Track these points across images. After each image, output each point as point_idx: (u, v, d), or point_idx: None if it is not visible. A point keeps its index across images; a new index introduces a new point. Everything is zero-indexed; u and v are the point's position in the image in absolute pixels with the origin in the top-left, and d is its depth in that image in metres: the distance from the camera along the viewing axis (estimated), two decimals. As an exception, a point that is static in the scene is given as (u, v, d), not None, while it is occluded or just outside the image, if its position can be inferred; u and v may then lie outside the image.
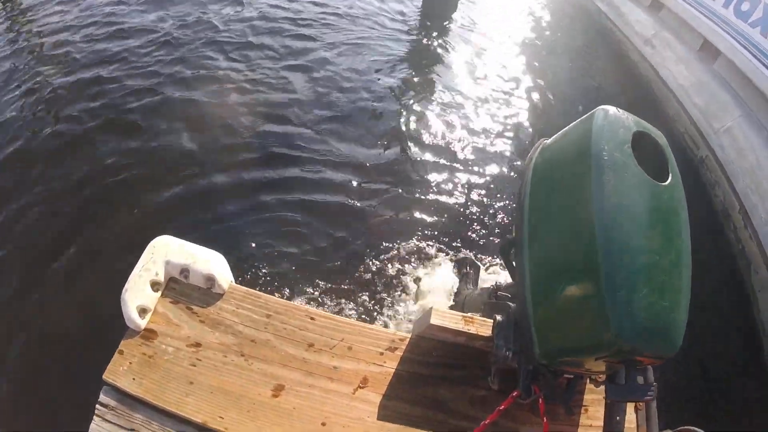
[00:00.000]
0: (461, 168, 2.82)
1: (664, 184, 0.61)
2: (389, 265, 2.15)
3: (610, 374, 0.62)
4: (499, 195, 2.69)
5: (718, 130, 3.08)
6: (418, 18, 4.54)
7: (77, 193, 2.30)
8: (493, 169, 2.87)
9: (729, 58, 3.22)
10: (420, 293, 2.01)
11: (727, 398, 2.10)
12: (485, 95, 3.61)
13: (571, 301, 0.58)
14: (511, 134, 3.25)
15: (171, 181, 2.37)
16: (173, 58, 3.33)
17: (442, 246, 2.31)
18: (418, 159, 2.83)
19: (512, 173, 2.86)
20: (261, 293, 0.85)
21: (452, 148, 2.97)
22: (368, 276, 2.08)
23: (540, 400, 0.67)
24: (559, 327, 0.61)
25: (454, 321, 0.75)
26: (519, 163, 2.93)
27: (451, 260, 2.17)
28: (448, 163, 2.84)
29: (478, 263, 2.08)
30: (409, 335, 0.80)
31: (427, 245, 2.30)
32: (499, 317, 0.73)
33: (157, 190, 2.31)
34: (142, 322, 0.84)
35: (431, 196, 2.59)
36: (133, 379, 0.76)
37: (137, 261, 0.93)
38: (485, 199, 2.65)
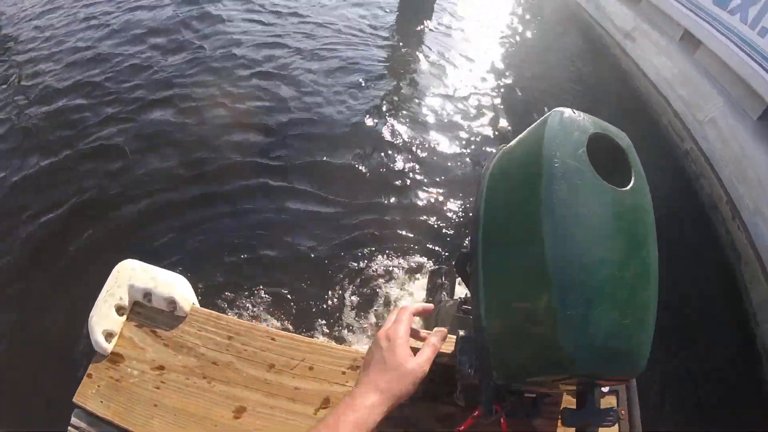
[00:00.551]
0: (437, 177, 2.78)
1: (624, 189, 0.56)
2: (359, 280, 2.11)
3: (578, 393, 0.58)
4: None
5: (702, 120, 3.09)
6: (394, 24, 4.53)
7: (41, 216, 2.28)
8: (469, 176, 2.83)
9: (709, 47, 3.23)
10: (392, 306, 1.99)
11: (718, 392, 2.09)
12: (462, 96, 3.61)
13: (524, 320, 0.54)
14: (490, 138, 3.23)
15: (137, 202, 2.35)
16: (150, 78, 3.30)
17: (416, 258, 2.27)
18: (392, 168, 2.78)
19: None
20: (223, 315, 0.84)
21: (425, 156, 2.93)
22: (336, 292, 2.05)
23: (502, 420, 0.64)
24: (513, 347, 0.57)
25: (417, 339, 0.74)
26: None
27: (425, 273, 2.14)
28: (424, 173, 2.80)
29: (454, 273, 2.05)
30: (373, 352, 0.79)
31: (402, 257, 2.25)
32: (462, 332, 0.71)
33: (124, 211, 2.29)
34: (109, 347, 0.85)
35: (406, 208, 2.54)
36: (101, 402, 0.76)
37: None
38: (463, 209, 2.62)
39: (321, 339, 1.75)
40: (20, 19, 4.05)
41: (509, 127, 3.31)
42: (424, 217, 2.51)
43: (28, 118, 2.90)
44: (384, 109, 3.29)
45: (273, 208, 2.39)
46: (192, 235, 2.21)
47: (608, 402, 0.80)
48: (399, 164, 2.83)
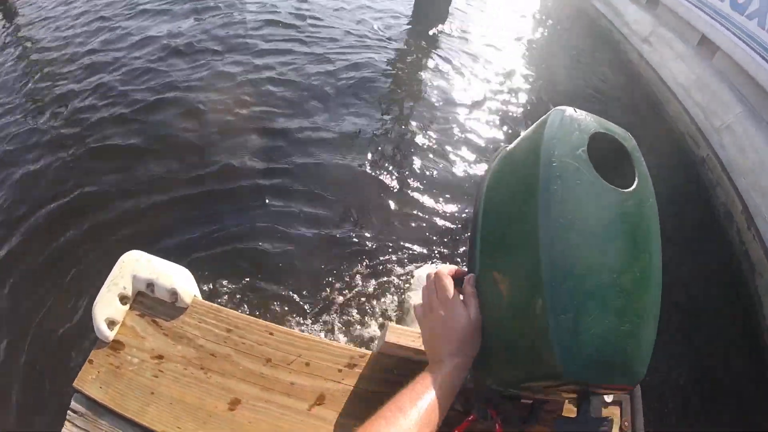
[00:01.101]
0: (443, 179, 2.76)
1: (627, 190, 0.54)
2: (360, 281, 2.11)
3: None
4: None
5: (719, 127, 3.02)
6: (407, 28, 4.51)
7: (46, 206, 2.34)
8: (476, 180, 2.82)
9: (727, 52, 3.16)
10: (396, 309, 1.97)
11: (729, 405, 2.04)
12: (478, 99, 3.59)
13: (517, 325, 0.53)
14: (501, 142, 3.21)
15: (144, 197, 2.39)
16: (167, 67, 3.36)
17: (417, 260, 2.25)
18: (397, 170, 2.78)
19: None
20: (223, 308, 0.85)
21: (433, 158, 2.91)
22: (336, 291, 2.05)
23: (497, 426, 0.62)
24: (505, 351, 0.56)
25: (411, 338, 0.74)
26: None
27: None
28: (431, 174, 2.78)
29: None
30: (370, 352, 0.79)
31: (404, 259, 2.24)
32: None
33: (131, 206, 2.33)
34: (111, 334, 0.86)
35: (410, 210, 2.53)
36: (100, 387, 0.78)
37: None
38: (467, 212, 2.59)
39: (319, 336, 1.76)
40: (38, 20, 4.15)
41: (520, 132, 3.27)
42: (428, 218, 2.50)
43: (40, 115, 2.97)
44: (392, 110, 3.29)
45: (277, 207, 2.41)
46: (196, 230, 2.23)
47: (611, 412, 0.78)
48: (404, 165, 2.82)
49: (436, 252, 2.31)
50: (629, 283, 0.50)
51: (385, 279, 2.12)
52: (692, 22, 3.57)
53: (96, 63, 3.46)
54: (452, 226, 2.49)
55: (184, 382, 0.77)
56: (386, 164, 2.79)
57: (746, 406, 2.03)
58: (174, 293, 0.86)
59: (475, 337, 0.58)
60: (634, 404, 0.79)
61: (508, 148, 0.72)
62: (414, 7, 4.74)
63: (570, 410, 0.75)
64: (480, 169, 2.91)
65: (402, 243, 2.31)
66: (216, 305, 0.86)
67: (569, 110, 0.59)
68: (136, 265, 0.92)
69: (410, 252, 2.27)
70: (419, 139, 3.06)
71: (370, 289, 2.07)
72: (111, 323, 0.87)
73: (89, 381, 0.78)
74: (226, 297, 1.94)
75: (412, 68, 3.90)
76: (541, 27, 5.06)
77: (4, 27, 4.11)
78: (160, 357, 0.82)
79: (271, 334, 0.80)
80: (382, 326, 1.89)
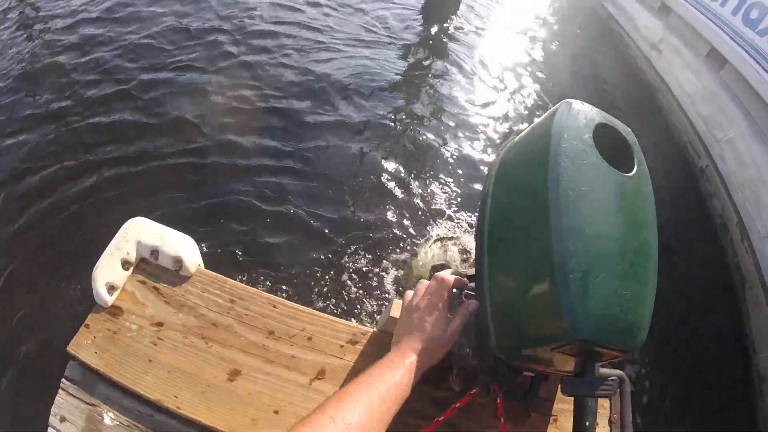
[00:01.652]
0: (447, 172, 2.79)
1: (627, 174, 0.58)
2: (365, 261, 2.13)
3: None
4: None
5: (721, 139, 3.04)
6: (417, 25, 4.47)
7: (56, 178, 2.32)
8: (481, 175, 2.83)
9: (736, 66, 3.16)
10: (398, 288, 1.99)
11: (715, 413, 2.09)
12: (484, 95, 3.58)
13: (528, 287, 0.56)
14: (506, 136, 3.22)
15: (151, 171, 2.39)
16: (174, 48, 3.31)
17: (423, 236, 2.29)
18: (404, 158, 2.80)
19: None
20: (227, 279, 0.84)
21: (438, 152, 2.92)
22: (342, 269, 2.08)
23: (498, 399, 0.64)
24: (514, 315, 0.59)
25: (417, 315, 0.74)
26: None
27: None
28: (435, 166, 2.80)
29: (448, 265, 2.05)
30: (372, 330, 0.79)
31: (409, 242, 2.27)
32: None
33: (131, 176, 2.33)
34: (110, 299, 0.85)
35: (415, 197, 2.55)
36: (96, 352, 0.76)
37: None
38: (474, 204, 2.62)
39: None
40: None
41: (523, 128, 3.27)
42: (434, 201, 2.53)
43: (37, 87, 2.92)
44: (399, 105, 3.28)
45: (280, 185, 2.41)
46: (195, 203, 2.24)
47: (601, 405, 0.80)
48: (410, 151, 2.83)
49: (441, 229, 2.33)
50: (630, 253, 0.54)
51: (390, 264, 2.15)
52: (703, 33, 3.57)
53: (99, 35, 3.39)
54: (457, 209, 2.52)
55: (184, 350, 0.76)
56: (392, 149, 2.81)
57: (731, 408, 2.12)
58: (179, 261, 0.85)
59: (441, 351, 0.62)
60: (623, 398, 0.81)
61: (516, 138, 0.74)
62: (424, 3, 4.69)
63: (561, 399, 0.77)
64: (488, 157, 2.94)
65: (407, 224, 2.34)
66: (221, 276, 0.85)
67: (577, 102, 0.63)
68: (141, 231, 0.90)
69: (415, 239, 2.29)
70: (424, 128, 3.07)
71: (373, 269, 2.09)
72: (111, 288, 0.85)
73: (84, 345, 0.77)
74: (224, 274, 1.93)
75: (419, 60, 3.87)
76: (550, 26, 5.03)
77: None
78: (160, 324, 0.81)
79: (274, 306, 0.80)
80: (383, 306, 1.91)
